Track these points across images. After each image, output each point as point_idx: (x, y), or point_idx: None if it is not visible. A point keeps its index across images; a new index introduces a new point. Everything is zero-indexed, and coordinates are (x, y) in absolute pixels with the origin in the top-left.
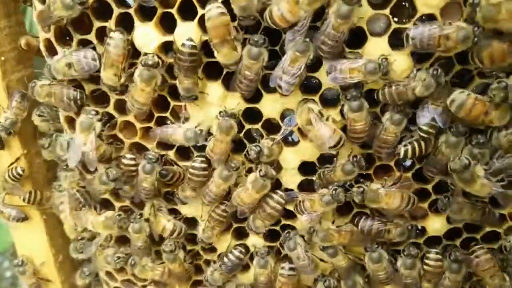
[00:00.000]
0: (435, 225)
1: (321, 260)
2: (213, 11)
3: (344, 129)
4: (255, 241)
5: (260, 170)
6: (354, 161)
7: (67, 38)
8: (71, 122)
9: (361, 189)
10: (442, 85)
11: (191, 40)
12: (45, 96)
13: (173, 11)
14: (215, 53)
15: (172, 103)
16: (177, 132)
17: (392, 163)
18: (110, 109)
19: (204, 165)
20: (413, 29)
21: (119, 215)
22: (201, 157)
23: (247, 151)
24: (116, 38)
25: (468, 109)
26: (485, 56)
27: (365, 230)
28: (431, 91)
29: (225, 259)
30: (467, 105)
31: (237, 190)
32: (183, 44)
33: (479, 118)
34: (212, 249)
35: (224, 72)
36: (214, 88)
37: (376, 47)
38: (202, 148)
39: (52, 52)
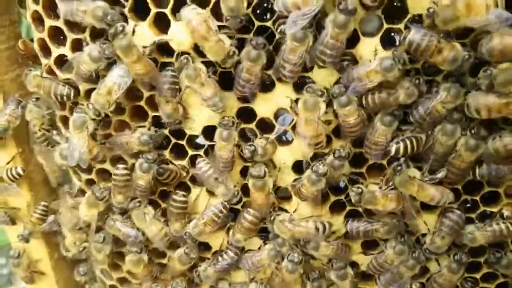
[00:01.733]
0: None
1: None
2: (189, 14)
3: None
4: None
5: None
6: (338, 156)
7: (61, 37)
8: (66, 121)
9: (359, 190)
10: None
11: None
12: (35, 86)
13: (167, 11)
14: (205, 52)
15: None
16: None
17: (385, 162)
18: None
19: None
20: (413, 33)
21: (95, 187)
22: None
23: (242, 151)
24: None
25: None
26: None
27: (353, 232)
28: (413, 99)
29: (220, 258)
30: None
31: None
32: (166, 70)
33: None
34: (207, 247)
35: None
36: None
37: (369, 47)
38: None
39: (47, 52)
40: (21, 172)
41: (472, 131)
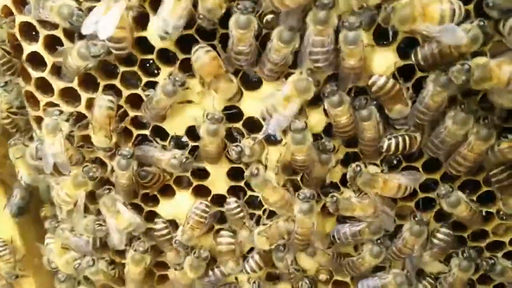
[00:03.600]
0: None
1: None
2: (199, 52)
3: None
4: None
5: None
6: (322, 148)
7: (34, 33)
8: (40, 121)
9: (334, 198)
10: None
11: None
12: None
13: (146, 5)
14: (213, 92)
15: None
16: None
17: (378, 162)
18: (82, 108)
19: None
20: (420, 50)
21: (85, 166)
22: None
23: (228, 151)
24: (100, 99)
25: None
26: None
27: (343, 239)
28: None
29: (210, 272)
30: None
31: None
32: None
33: None
34: None
35: None
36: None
37: None
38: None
39: (19, 48)
40: None
41: (485, 120)
